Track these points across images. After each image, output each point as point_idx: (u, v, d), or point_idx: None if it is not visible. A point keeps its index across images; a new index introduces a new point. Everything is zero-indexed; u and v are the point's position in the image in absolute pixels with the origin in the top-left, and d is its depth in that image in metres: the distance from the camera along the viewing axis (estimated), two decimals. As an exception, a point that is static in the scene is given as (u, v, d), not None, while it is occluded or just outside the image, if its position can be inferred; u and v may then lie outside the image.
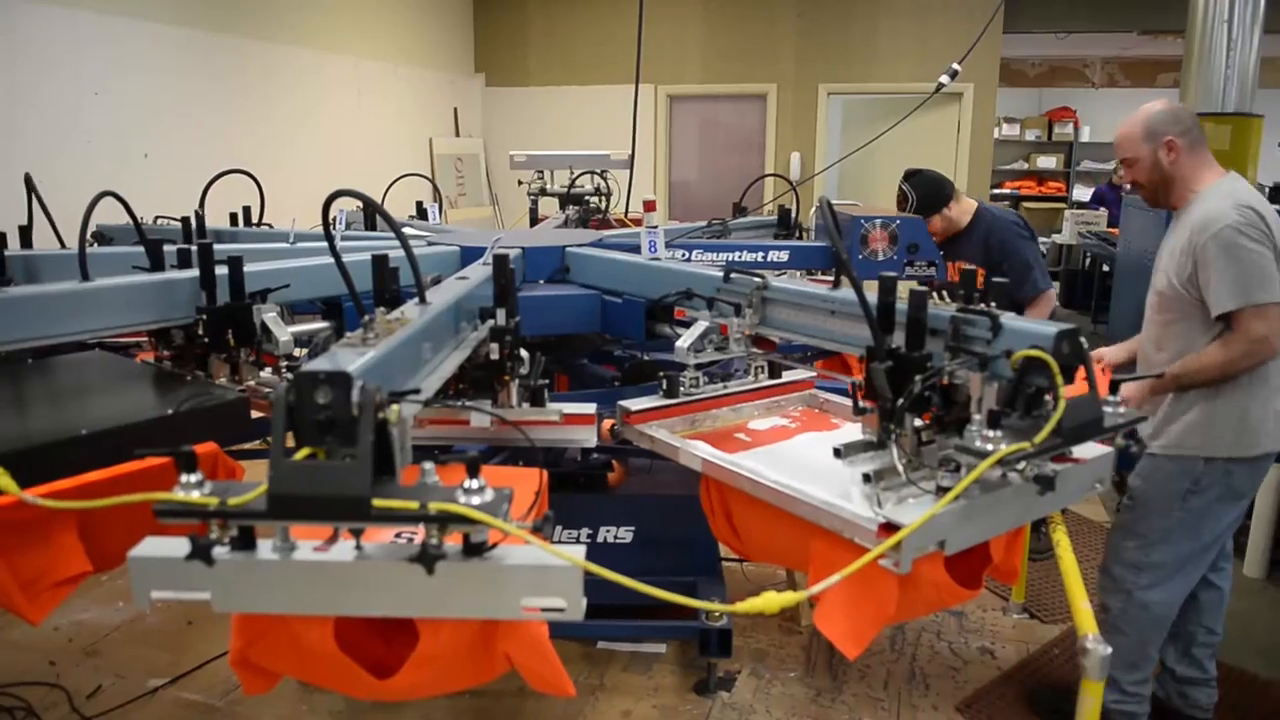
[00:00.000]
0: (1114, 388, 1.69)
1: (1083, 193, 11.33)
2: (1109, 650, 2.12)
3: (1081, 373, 1.58)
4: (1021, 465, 1.51)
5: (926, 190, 3.87)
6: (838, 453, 1.76)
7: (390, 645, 1.50)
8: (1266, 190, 4.66)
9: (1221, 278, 2.38)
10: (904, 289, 1.85)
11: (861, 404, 1.77)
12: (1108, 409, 1.64)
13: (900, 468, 1.63)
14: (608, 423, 2.23)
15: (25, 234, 2.92)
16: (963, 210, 3.90)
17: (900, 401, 1.63)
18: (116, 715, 2.95)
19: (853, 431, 2.21)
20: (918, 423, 1.68)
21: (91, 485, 1.58)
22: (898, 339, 1.74)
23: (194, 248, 2.16)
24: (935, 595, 1.74)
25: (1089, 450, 1.71)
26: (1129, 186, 2.76)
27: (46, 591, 1.63)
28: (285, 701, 3.03)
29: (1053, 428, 1.45)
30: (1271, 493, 3.87)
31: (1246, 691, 2.95)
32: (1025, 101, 12.27)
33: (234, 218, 4.00)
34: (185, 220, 3.46)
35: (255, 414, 2.01)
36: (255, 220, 4.03)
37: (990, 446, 1.46)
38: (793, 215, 3.92)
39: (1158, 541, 2.63)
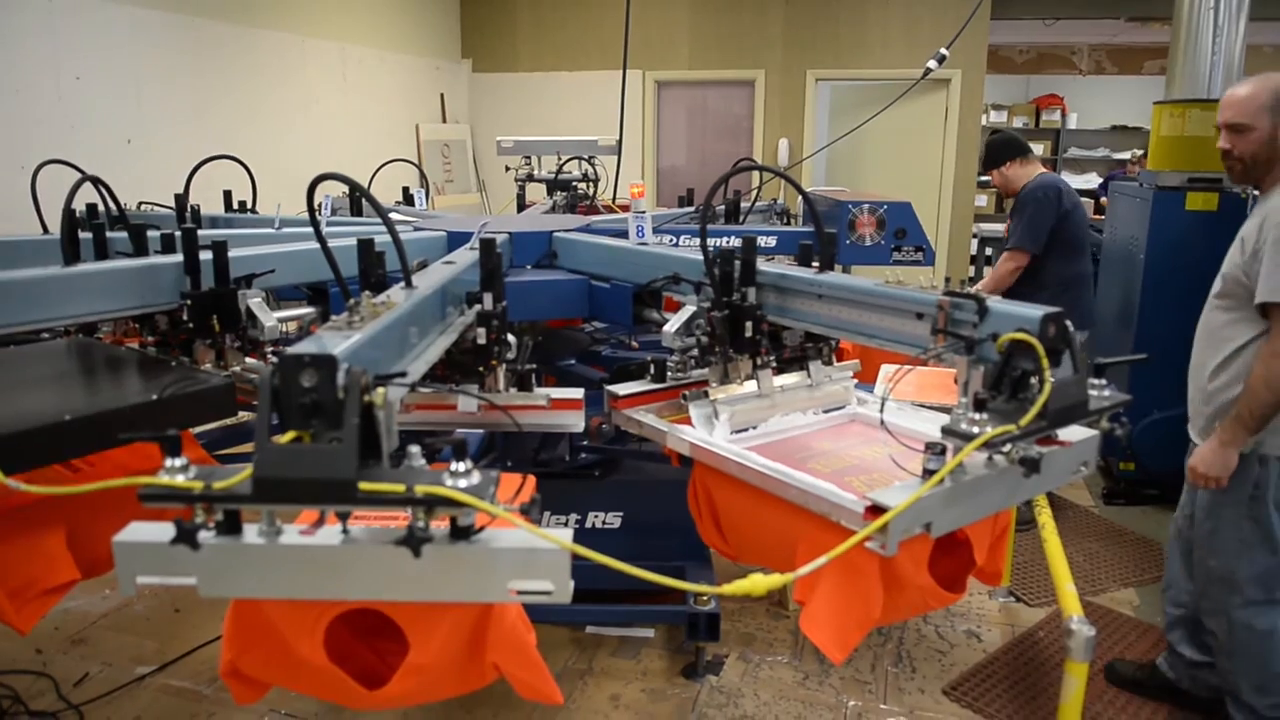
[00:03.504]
0: (1099, 371, 1.70)
1: (1076, 180, 11.34)
2: (1093, 632, 2.14)
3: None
4: (1007, 448, 1.52)
5: (990, 146, 4.32)
6: (684, 397, 2.12)
7: (378, 654, 1.49)
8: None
9: (1275, 268, 2.27)
10: (894, 273, 1.91)
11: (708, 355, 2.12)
12: (1093, 392, 1.65)
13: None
14: (595, 420, 2.24)
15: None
16: (1020, 176, 4.22)
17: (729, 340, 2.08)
18: (104, 703, 2.95)
19: (841, 413, 2.24)
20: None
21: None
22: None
23: (178, 233, 2.14)
24: (920, 598, 1.75)
25: (1074, 433, 1.72)
26: (1224, 151, 2.52)
27: (34, 600, 1.61)
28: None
29: (1038, 410, 1.46)
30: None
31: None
32: (1013, 88, 12.27)
33: (228, 198, 3.97)
34: (179, 202, 3.44)
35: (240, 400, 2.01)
36: (249, 206, 4.00)
37: (976, 429, 1.47)
38: (740, 204, 3.94)
39: (1236, 554, 2.52)
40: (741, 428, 2.08)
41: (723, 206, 3.85)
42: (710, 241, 3.21)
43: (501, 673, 1.43)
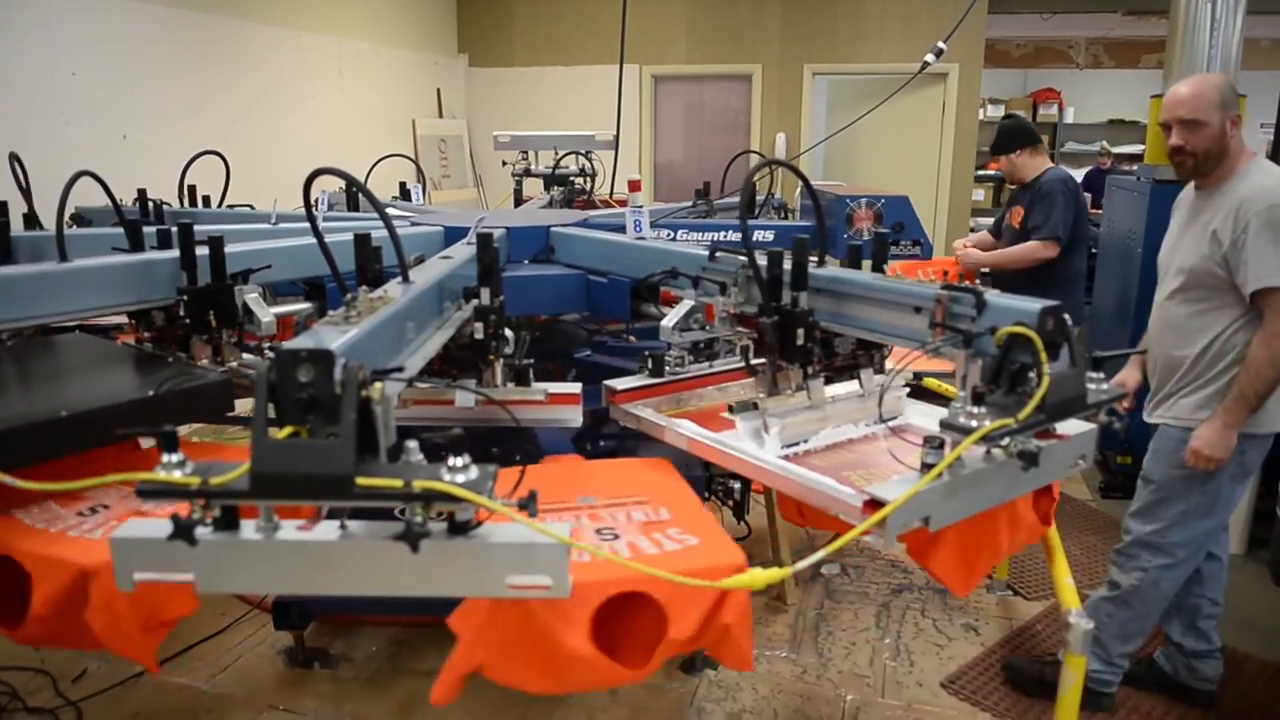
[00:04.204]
0: (1096, 364, 1.70)
1: (1074, 174, 11.33)
2: (1091, 624, 2.15)
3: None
4: (1005, 441, 1.52)
5: (1002, 131, 4.26)
6: (731, 409, 1.97)
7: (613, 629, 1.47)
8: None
9: (1264, 254, 2.35)
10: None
11: (752, 362, 2.03)
12: (1091, 385, 1.65)
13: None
14: None
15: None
16: (1030, 165, 4.18)
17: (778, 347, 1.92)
18: (102, 699, 2.94)
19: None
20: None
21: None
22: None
23: (174, 228, 2.13)
24: (1027, 532, 1.97)
25: (1072, 427, 1.72)
26: (1175, 148, 2.55)
27: (154, 632, 1.56)
28: (272, 685, 3.03)
29: (1037, 404, 1.46)
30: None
31: (1224, 665, 2.99)
32: (1010, 82, 12.25)
33: (191, 193, 3.91)
34: (141, 196, 3.41)
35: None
36: (218, 201, 3.96)
37: (974, 423, 1.47)
38: (755, 198, 3.92)
39: (1176, 525, 2.64)
40: (792, 442, 1.95)
41: (723, 200, 3.84)
42: (713, 235, 3.23)
43: (724, 636, 1.50)
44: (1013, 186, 4.37)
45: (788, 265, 1.95)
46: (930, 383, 2.68)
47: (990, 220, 4.82)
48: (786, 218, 4.17)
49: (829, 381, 2.04)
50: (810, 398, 1.98)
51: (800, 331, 1.92)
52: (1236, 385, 2.45)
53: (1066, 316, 1.56)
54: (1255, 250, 2.36)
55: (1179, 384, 2.61)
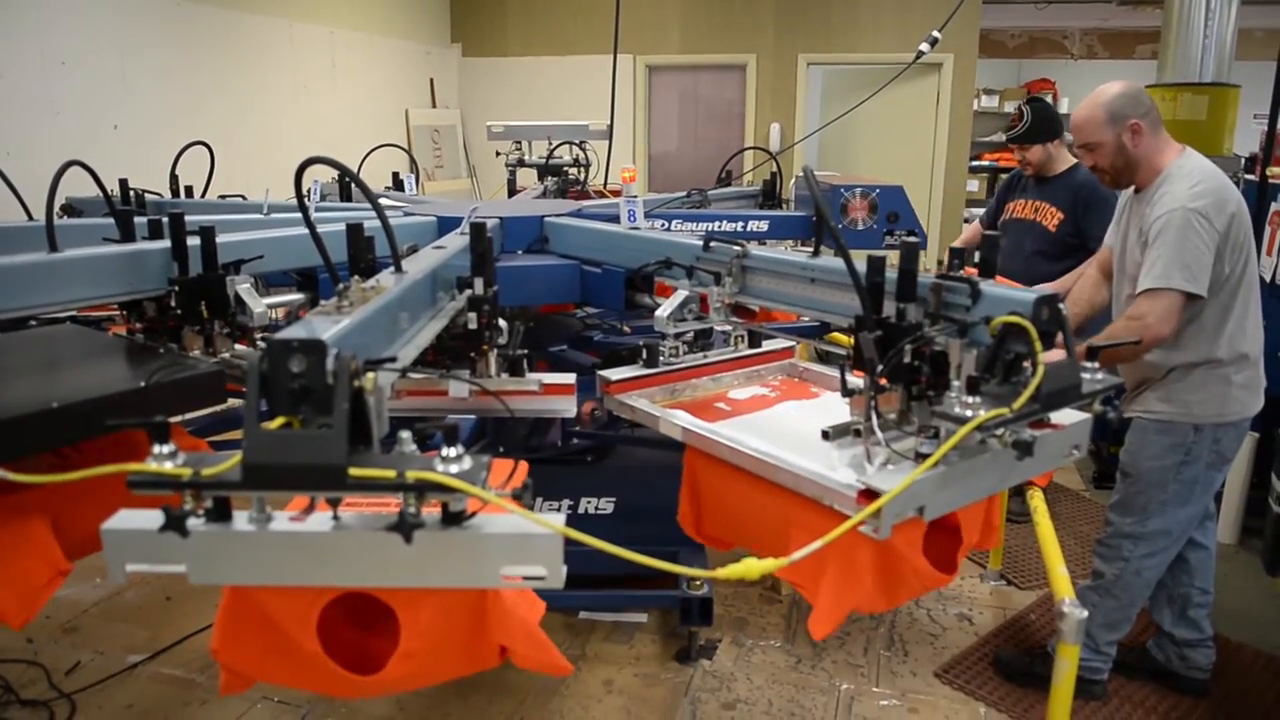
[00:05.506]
0: (1093, 354, 1.70)
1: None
2: (1085, 614, 2.16)
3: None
4: (1000, 431, 1.52)
5: (1043, 117, 3.97)
6: (826, 435, 1.72)
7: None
8: (1242, 161, 4.67)
9: (1157, 258, 2.42)
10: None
11: (850, 384, 1.73)
12: (1085, 375, 1.65)
13: (877, 432, 1.58)
14: (588, 406, 2.20)
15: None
16: (1063, 156, 4.00)
17: (880, 365, 1.61)
18: (96, 692, 2.94)
19: (832, 400, 2.23)
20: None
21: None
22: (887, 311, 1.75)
23: (165, 219, 2.12)
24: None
25: (1067, 416, 1.72)
26: (1091, 167, 2.72)
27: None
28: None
29: (1032, 393, 1.45)
30: (1245, 459, 3.93)
31: (1217, 654, 3.00)
32: (1004, 73, 12.23)
33: (174, 183, 3.88)
34: (123, 186, 3.39)
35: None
36: (202, 191, 3.94)
37: (969, 412, 1.46)
38: (777, 186, 3.91)
39: (1154, 514, 2.70)
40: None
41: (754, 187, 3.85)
42: (708, 226, 3.23)
43: (992, 531, 1.80)
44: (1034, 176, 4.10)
45: (890, 274, 1.74)
46: (836, 336, 2.66)
47: (983, 211, 4.76)
48: (782, 208, 4.16)
49: (930, 401, 1.72)
50: (916, 420, 1.70)
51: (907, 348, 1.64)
52: (1104, 333, 2.50)
53: (1061, 305, 1.56)
54: (1151, 254, 2.45)
55: (1144, 380, 2.68)
